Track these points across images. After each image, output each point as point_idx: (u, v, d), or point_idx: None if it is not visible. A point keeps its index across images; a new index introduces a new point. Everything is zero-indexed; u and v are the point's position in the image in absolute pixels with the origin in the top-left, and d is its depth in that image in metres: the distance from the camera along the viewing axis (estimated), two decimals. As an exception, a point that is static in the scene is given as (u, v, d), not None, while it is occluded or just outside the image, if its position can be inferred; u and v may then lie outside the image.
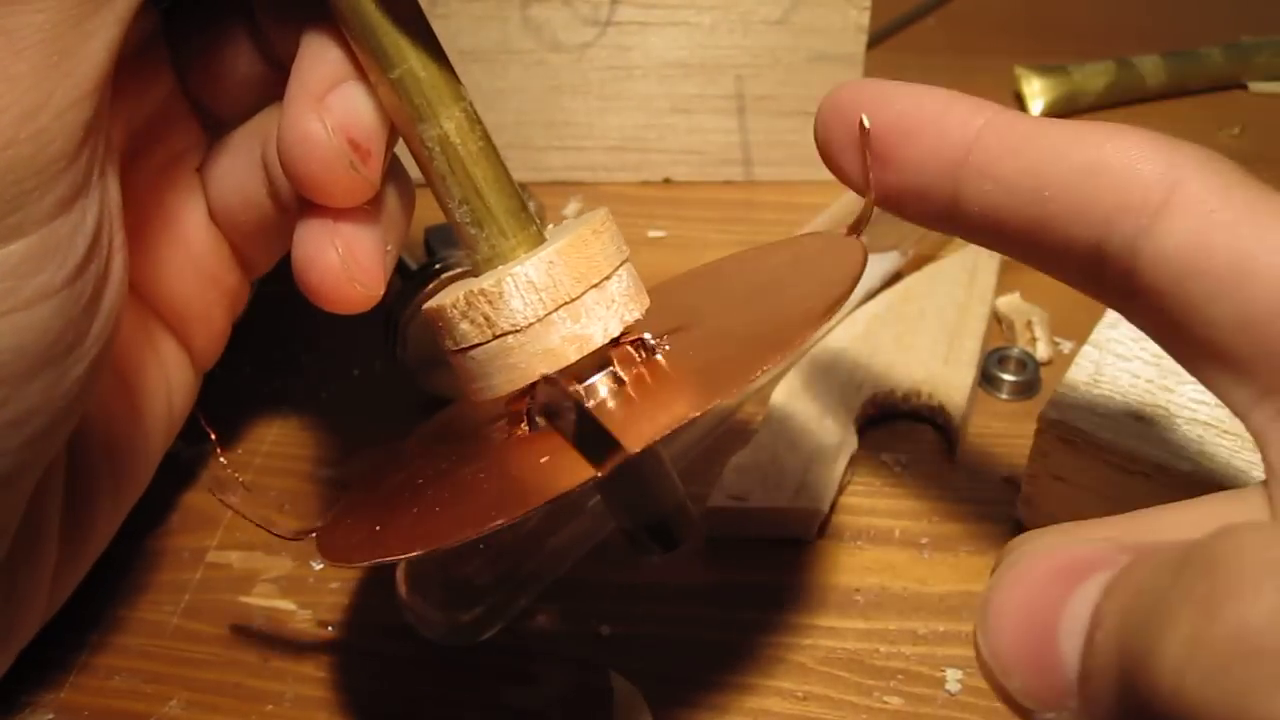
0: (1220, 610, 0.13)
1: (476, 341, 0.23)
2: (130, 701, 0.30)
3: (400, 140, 0.25)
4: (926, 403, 0.37)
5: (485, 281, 0.23)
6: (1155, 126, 0.20)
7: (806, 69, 0.47)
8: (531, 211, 0.24)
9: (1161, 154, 0.20)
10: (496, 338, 0.23)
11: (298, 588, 0.33)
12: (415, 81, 0.23)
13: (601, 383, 0.24)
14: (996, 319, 0.42)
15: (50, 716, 0.29)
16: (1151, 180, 0.19)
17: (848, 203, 0.44)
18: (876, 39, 0.58)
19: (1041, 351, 0.40)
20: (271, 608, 0.32)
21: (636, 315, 0.24)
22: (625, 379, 0.24)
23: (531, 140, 0.49)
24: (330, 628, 0.32)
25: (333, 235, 0.25)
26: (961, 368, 0.38)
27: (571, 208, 0.49)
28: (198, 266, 0.30)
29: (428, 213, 0.27)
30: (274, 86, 0.27)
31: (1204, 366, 0.20)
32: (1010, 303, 0.42)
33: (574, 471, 0.20)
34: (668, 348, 0.24)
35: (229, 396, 0.38)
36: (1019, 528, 0.34)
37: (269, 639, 0.31)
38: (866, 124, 0.23)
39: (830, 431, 0.35)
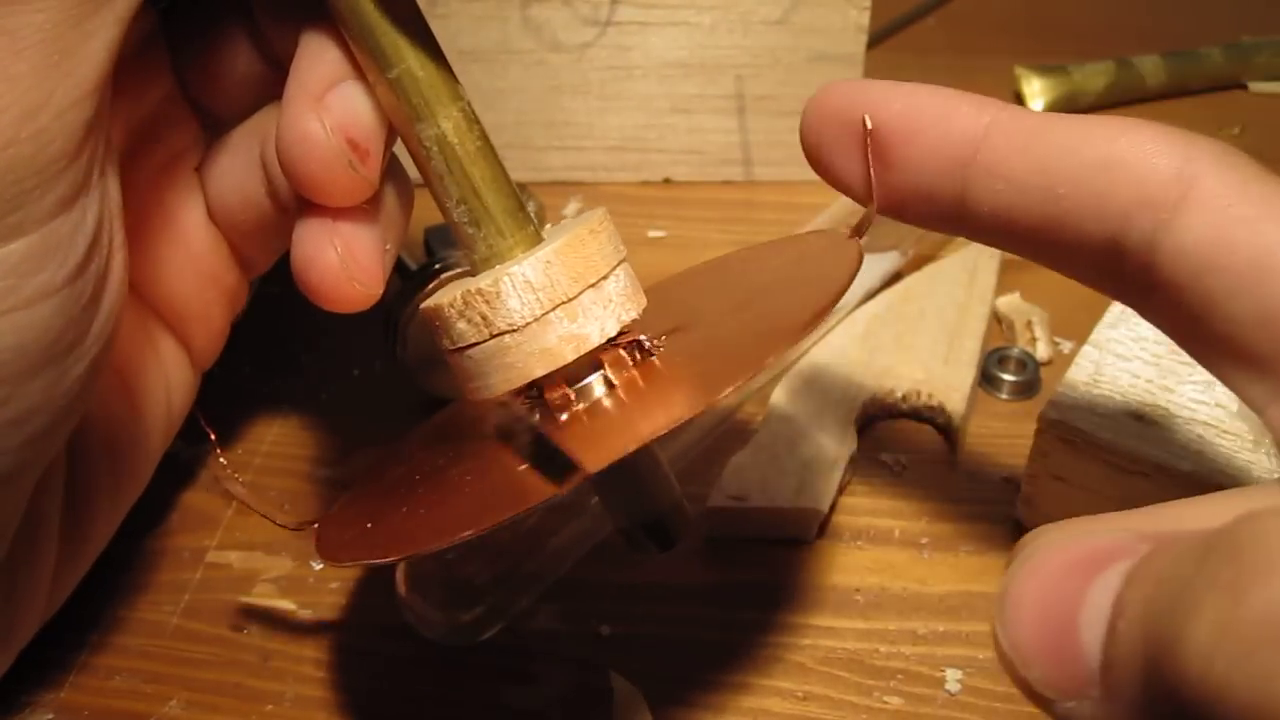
0: (1246, 595, 0.13)
1: (473, 341, 0.23)
2: (130, 701, 0.30)
3: (399, 140, 0.25)
4: (926, 403, 0.37)
5: (482, 281, 0.23)
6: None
7: (806, 69, 0.47)
8: (530, 211, 0.24)
9: (1177, 148, 0.19)
10: (494, 337, 0.23)
11: (298, 588, 0.33)
12: (413, 81, 0.23)
13: (597, 382, 0.24)
14: (996, 319, 0.42)
15: (50, 716, 0.29)
16: (1168, 175, 0.19)
17: (848, 202, 0.44)
18: (876, 39, 0.58)
19: (1041, 351, 0.40)
20: (271, 608, 0.32)
21: (634, 315, 0.24)
22: (619, 380, 0.24)
23: (531, 140, 0.49)
24: (330, 628, 0.32)
25: (332, 234, 0.25)
26: (961, 368, 0.38)
27: (571, 208, 0.49)
28: (196, 266, 0.30)
29: (427, 213, 0.27)
30: (272, 86, 0.27)
31: (1221, 362, 0.20)
32: (1010, 303, 0.42)
33: (546, 483, 0.20)
34: (663, 350, 0.24)
35: (228, 396, 0.38)
36: (1019, 527, 0.34)
37: (269, 639, 0.31)
38: (869, 124, 0.23)
39: (830, 431, 0.35)
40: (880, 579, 0.33)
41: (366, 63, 0.24)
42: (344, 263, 0.25)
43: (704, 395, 0.21)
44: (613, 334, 0.23)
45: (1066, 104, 0.55)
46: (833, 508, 0.34)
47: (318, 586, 0.33)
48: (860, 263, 0.23)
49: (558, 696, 0.30)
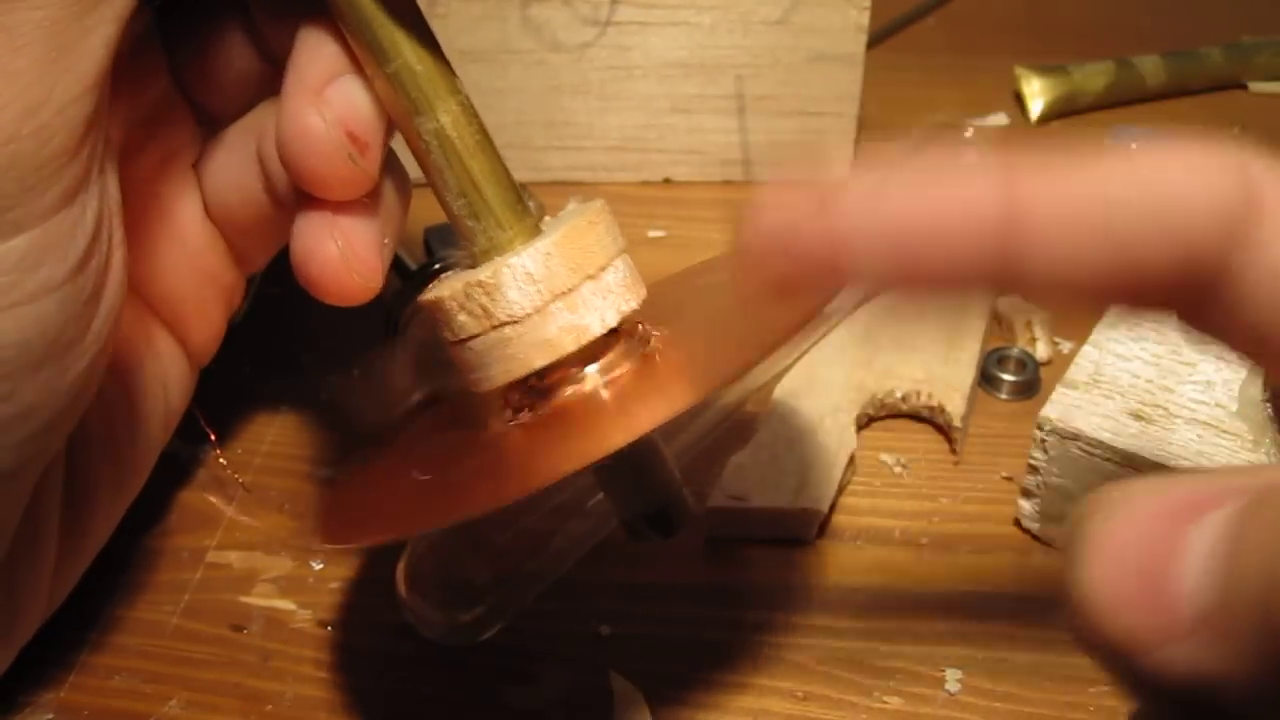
0: None
1: (474, 333, 0.23)
2: (130, 701, 0.30)
3: (396, 134, 0.25)
4: (926, 403, 0.37)
5: (483, 273, 0.23)
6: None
7: (806, 69, 0.47)
8: (529, 204, 0.25)
9: (1233, 168, 0.19)
10: (494, 329, 0.23)
11: (298, 588, 0.33)
12: (411, 75, 0.23)
13: (597, 373, 0.24)
14: (996, 319, 0.42)
15: (50, 716, 0.29)
16: (1234, 196, 0.18)
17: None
18: (876, 39, 0.58)
19: (1041, 351, 0.40)
20: (271, 608, 0.32)
21: (634, 306, 0.24)
22: (620, 370, 0.24)
23: (531, 140, 0.49)
24: (330, 628, 0.32)
25: (332, 228, 0.25)
26: (961, 368, 0.38)
27: (571, 208, 0.49)
28: (193, 262, 0.30)
29: (427, 213, 0.27)
30: (269, 82, 0.27)
31: None
32: (1010, 303, 0.42)
33: (547, 472, 0.20)
34: (663, 341, 0.24)
35: (228, 396, 0.38)
36: (1019, 528, 0.34)
37: (269, 639, 0.31)
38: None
39: (830, 431, 0.35)
40: (880, 579, 0.33)
41: (364, 57, 0.24)
42: (344, 255, 0.25)
43: (704, 385, 0.21)
44: (613, 324, 0.23)
45: (1066, 104, 0.55)
46: (833, 508, 0.34)
47: (318, 586, 0.33)
48: None
49: (558, 696, 0.30)
